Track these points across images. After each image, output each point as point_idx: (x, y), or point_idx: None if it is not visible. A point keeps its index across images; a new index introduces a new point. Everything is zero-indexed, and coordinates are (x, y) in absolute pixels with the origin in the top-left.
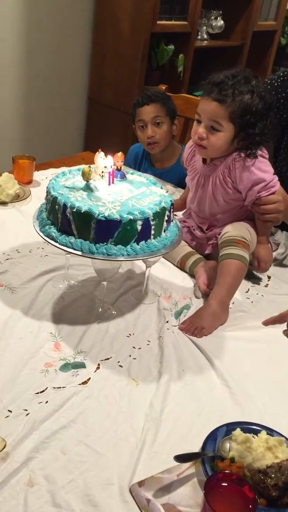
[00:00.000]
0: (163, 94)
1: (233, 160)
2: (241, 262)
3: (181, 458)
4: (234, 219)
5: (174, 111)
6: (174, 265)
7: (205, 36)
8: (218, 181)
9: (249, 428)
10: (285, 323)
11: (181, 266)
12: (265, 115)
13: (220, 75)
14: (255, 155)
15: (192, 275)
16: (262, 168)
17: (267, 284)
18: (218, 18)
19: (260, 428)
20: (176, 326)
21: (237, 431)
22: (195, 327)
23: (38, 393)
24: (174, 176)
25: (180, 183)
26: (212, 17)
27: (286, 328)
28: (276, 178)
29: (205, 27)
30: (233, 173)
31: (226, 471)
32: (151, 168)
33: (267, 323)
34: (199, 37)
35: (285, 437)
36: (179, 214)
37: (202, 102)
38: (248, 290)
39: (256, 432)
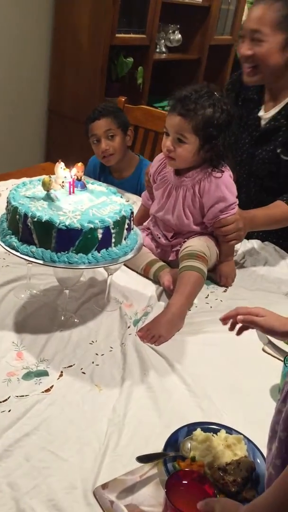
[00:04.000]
0: (114, 107)
1: (203, 175)
2: (200, 274)
3: (143, 459)
4: (199, 230)
5: (126, 122)
6: (136, 272)
7: (164, 49)
8: (188, 194)
9: (209, 427)
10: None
11: (145, 273)
12: (227, 127)
13: (183, 90)
14: (221, 169)
15: (156, 281)
16: (229, 187)
17: (226, 289)
18: (176, 31)
19: (219, 427)
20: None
21: (198, 431)
22: (153, 334)
23: (0, 402)
24: (133, 185)
25: (139, 192)
26: (170, 31)
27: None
28: (237, 201)
29: (163, 41)
30: (202, 187)
31: (186, 469)
32: (110, 178)
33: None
34: (157, 50)
35: (243, 435)
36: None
37: (168, 117)
38: (208, 295)
39: (215, 431)
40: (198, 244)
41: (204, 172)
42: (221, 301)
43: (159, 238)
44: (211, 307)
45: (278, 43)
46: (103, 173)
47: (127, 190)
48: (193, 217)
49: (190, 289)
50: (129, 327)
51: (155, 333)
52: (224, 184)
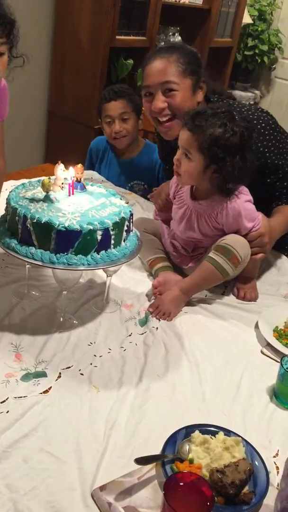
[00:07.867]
0: (129, 89)
1: (222, 207)
2: (221, 274)
3: (141, 461)
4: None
5: (140, 106)
6: (143, 263)
7: None
8: (205, 219)
9: (207, 429)
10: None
11: (149, 267)
12: (238, 151)
13: (202, 107)
14: (234, 194)
15: (155, 277)
16: (247, 216)
17: (224, 291)
18: (176, 34)
19: (217, 430)
20: (142, 333)
21: (196, 433)
22: (163, 312)
23: None
24: (139, 165)
25: (148, 171)
26: (170, 33)
27: None
28: (259, 215)
29: (163, 43)
30: (221, 218)
31: (184, 471)
32: (116, 159)
33: None
34: None
35: (242, 437)
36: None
37: (180, 131)
38: (206, 295)
39: (214, 433)
40: (241, 245)
41: (219, 204)
42: (219, 301)
43: (179, 249)
44: (208, 306)
45: (188, 88)
46: (108, 154)
47: (134, 169)
48: (212, 236)
49: (200, 281)
50: (131, 334)
51: (165, 310)
52: (240, 215)
